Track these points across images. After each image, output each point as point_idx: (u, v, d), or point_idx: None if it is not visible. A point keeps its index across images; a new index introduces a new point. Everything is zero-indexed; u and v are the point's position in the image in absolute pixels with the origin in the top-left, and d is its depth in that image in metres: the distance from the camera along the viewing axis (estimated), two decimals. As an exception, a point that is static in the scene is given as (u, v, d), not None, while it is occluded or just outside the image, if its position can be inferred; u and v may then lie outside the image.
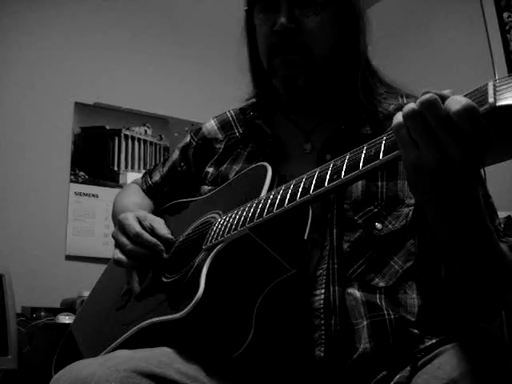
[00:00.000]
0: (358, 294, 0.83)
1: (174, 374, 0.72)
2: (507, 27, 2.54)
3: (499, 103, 0.54)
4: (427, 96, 0.59)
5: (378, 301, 0.83)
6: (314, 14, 0.96)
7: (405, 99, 1.01)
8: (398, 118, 0.63)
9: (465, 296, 0.81)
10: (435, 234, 0.74)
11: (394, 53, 2.87)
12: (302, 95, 1.02)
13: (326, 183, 0.69)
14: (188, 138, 1.20)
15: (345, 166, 0.68)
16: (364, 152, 0.67)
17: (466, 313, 0.84)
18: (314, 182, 0.72)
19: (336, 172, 0.69)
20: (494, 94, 0.55)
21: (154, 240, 0.95)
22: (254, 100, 1.13)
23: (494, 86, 0.56)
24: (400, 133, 0.62)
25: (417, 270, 0.87)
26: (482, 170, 0.93)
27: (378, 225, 0.87)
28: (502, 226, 0.93)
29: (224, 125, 1.14)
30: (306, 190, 0.72)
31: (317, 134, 1.01)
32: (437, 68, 2.74)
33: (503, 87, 0.55)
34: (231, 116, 1.15)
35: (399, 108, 0.98)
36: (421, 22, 2.96)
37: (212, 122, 1.17)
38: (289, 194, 0.75)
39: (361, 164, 0.66)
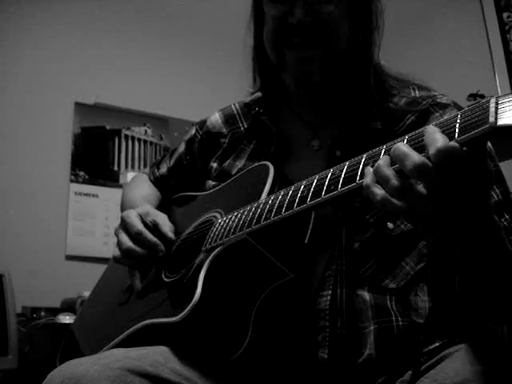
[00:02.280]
0: (367, 296, 0.82)
1: (168, 373, 0.72)
2: (507, 27, 2.54)
3: (500, 123, 0.53)
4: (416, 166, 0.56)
5: (388, 303, 0.82)
6: (332, 5, 0.91)
7: (417, 92, 0.98)
8: (374, 190, 0.60)
9: (481, 307, 0.76)
10: (449, 258, 0.71)
11: (394, 53, 2.86)
12: (316, 91, 0.99)
13: (323, 194, 0.68)
14: (193, 131, 1.18)
15: (342, 177, 0.67)
16: (362, 164, 0.66)
17: (481, 317, 0.81)
18: (311, 191, 0.71)
19: (333, 183, 0.68)
20: (496, 113, 0.53)
21: (153, 239, 0.94)
22: (259, 94, 1.10)
23: (496, 103, 0.54)
24: (384, 204, 0.60)
25: (428, 272, 0.85)
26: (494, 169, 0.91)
27: (390, 224, 0.85)
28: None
29: (229, 118, 1.12)
30: (303, 199, 0.72)
31: (325, 130, 0.98)
32: (437, 68, 2.74)
33: (505, 106, 0.53)
34: (236, 109, 1.13)
35: (411, 102, 0.94)
36: (420, 21, 2.96)
37: (217, 115, 1.15)
38: (286, 202, 0.75)
39: (357, 177, 0.64)
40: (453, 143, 0.54)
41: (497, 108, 0.54)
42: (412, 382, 0.74)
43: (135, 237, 0.95)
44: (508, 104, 0.53)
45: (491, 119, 0.53)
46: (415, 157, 0.56)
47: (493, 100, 0.55)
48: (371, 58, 0.98)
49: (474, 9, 2.66)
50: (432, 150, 0.55)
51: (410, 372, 0.76)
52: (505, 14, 2.56)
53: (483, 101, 0.56)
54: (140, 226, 0.95)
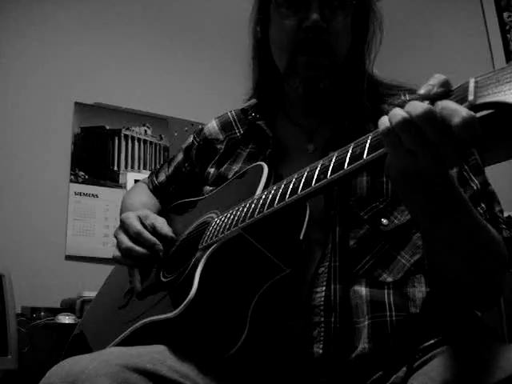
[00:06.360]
0: (363, 291, 0.83)
1: (166, 371, 0.72)
2: (507, 27, 2.54)
3: (479, 101, 0.53)
4: (423, 109, 0.57)
5: (385, 297, 0.83)
6: (342, 16, 0.96)
7: (407, 96, 1.01)
8: (385, 122, 0.60)
9: (453, 281, 0.79)
10: (408, 207, 0.74)
11: (394, 52, 2.86)
12: (321, 97, 1.01)
13: (313, 183, 0.70)
14: (191, 139, 1.22)
15: (331, 166, 0.69)
16: (350, 151, 0.67)
17: (462, 300, 0.83)
18: (302, 182, 0.72)
19: (323, 172, 0.70)
20: (475, 92, 0.54)
21: (153, 239, 0.96)
22: (254, 100, 1.12)
23: (476, 83, 0.55)
24: (389, 139, 0.60)
25: (424, 262, 0.86)
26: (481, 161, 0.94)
27: (384, 220, 0.87)
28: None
29: (225, 125, 1.14)
30: (294, 190, 0.73)
31: (320, 134, 1.00)
32: (437, 68, 2.73)
33: (484, 84, 0.54)
34: (232, 116, 1.15)
35: (401, 106, 0.98)
36: (421, 21, 2.96)
37: (213, 122, 1.17)
38: (279, 194, 0.76)
39: (346, 164, 0.66)
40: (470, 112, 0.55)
41: (476, 87, 0.55)
42: (406, 378, 0.75)
43: (134, 237, 0.97)
44: (487, 83, 0.54)
45: (470, 97, 0.54)
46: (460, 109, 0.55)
47: (472, 80, 0.56)
48: (366, 65, 1.02)
49: (474, 9, 2.66)
50: (458, 118, 0.54)
51: (404, 368, 0.77)
52: (505, 14, 2.56)
53: (464, 82, 0.57)
54: (139, 226, 0.97)
